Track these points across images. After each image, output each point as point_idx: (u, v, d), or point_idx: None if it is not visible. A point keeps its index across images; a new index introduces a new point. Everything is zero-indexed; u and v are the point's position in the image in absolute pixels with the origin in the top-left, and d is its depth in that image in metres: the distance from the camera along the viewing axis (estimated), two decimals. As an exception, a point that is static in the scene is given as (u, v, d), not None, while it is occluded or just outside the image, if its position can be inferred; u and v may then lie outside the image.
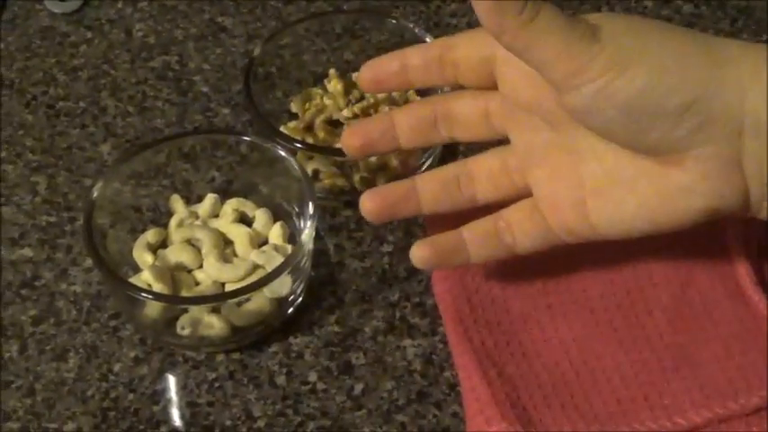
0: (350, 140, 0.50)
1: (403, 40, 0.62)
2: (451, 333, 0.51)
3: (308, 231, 0.51)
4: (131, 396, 0.51)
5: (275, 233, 0.55)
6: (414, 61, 0.49)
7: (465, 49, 0.48)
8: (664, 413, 0.48)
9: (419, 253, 0.49)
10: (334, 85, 0.62)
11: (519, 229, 0.49)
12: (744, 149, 0.41)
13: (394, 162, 0.58)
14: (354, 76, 0.63)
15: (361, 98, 0.61)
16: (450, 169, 0.50)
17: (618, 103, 0.41)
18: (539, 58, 0.41)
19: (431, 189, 0.50)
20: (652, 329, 0.51)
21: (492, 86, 0.48)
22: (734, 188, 0.42)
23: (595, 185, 0.45)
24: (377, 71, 0.50)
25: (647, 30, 0.42)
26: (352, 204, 0.58)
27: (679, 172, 0.42)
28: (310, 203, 0.52)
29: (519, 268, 0.53)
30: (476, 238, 0.49)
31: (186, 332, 0.51)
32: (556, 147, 0.47)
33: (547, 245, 0.49)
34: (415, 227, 0.58)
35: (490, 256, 0.50)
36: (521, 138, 0.48)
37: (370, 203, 0.49)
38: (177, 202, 0.57)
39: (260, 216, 0.56)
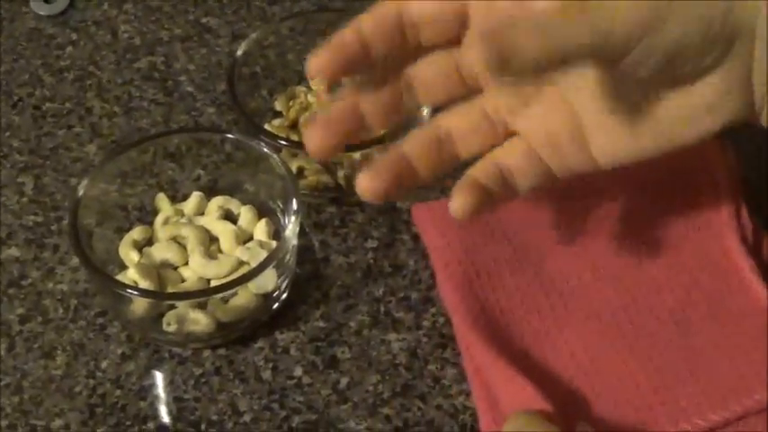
0: (313, 139, 0.45)
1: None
2: (463, 345, 0.51)
3: (291, 227, 0.52)
4: (118, 392, 0.52)
5: (260, 230, 0.56)
6: (368, 31, 0.44)
7: (421, 6, 0.44)
8: (682, 416, 0.48)
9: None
10: (317, 83, 0.62)
11: (517, 173, 0.46)
12: (754, 57, 0.41)
13: (378, 159, 0.58)
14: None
15: (345, 96, 0.62)
16: (425, 132, 0.46)
17: (657, 59, 0.40)
18: (575, 58, 0.40)
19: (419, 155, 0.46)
20: (661, 334, 0.51)
21: (457, 41, 0.45)
22: (747, 99, 0.42)
23: (592, 118, 0.45)
24: (333, 53, 0.44)
25: None
26: (337, 201, 0.59)
27: (701, 92, 0.42)
28: (294, 200, 0.53)
29: (523, 283, 0.53)
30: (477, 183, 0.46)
31: (172, 328, 0.52)
32: (545, 84, 0.45)
33: (546, 183, 0.47)
34: (399, 223, 0.58)
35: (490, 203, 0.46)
36: (502, 86, 0.46)
37: (369, 183, 0.44)
38: (163, 201, 0.57)
39: (245, 213, 0.56)
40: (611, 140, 0.45)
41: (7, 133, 0.64)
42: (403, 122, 0.57)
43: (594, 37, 0.39)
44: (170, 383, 0.52)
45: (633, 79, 0.42)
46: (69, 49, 0.69)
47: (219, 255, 0.55)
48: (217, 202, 0.57)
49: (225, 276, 0.53)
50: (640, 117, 0.44)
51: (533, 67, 0.39)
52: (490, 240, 0.55)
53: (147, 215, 0.57)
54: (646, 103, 0.43)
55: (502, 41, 0.38)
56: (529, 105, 0.46)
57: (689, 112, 0.43)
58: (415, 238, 0.57)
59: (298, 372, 0.52)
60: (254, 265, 0.52)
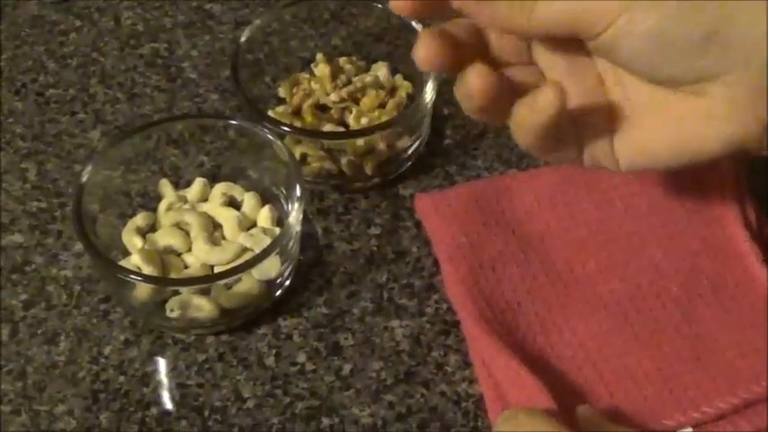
0: (423, 47, 0.42)
1: (390, 26, 0.62)
2: (470, 335, 0.51)
3: (295, 214, 0.52)
4: (122, 378, 0.52)
5: (263, 216, 0.56)
6: None
7: None
8: (691, 405, 0.48)
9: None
10: (321, 69, 0.62)
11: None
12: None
13: (381, 145, 0.58)
14: (342, 60, 0.63)
15: (348, 82, 0.62)
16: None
17: (641, 36, 0.40)
18: (556, 32, 0.41)
19: None
20: (667, 322, 0.51)
21: None
22: (758, 118, 0.41)
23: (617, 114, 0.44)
24: None
25: None
26: (340, 188, 0.59)
27: (705, 100, 0.41)
28: (298, 186, 0.53)
29: (528, 273, 0.53)
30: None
31: (176, 315, 0.52)
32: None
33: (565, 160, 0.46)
34: (402, 209, 0.58)
35: None
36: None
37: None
38: (166, 187, 0.57)
39: (248, 199, 0.56)
40: (628, 143, 0.44)
41: (10, 119, 0.64)
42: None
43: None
44: (173, 369, 0.52)
45: (624, 66, 0.42)
46: (73, 35, 0.69)
47: (223, 241, 0.55)
48: (220, 188, 0.57)
49: (228, 263, 0.53)
50: (653, 121, 0.43)
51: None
52: (494, 231, 0.55)
53: (150, 201, 0.57)
54: (660, 107, 0.43)
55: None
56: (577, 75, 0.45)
57: (689, 120, 0.42)
58: (418, 224, 0.57)
59: (301, 358, 0.52)
60: (257, 251, 0.52)
